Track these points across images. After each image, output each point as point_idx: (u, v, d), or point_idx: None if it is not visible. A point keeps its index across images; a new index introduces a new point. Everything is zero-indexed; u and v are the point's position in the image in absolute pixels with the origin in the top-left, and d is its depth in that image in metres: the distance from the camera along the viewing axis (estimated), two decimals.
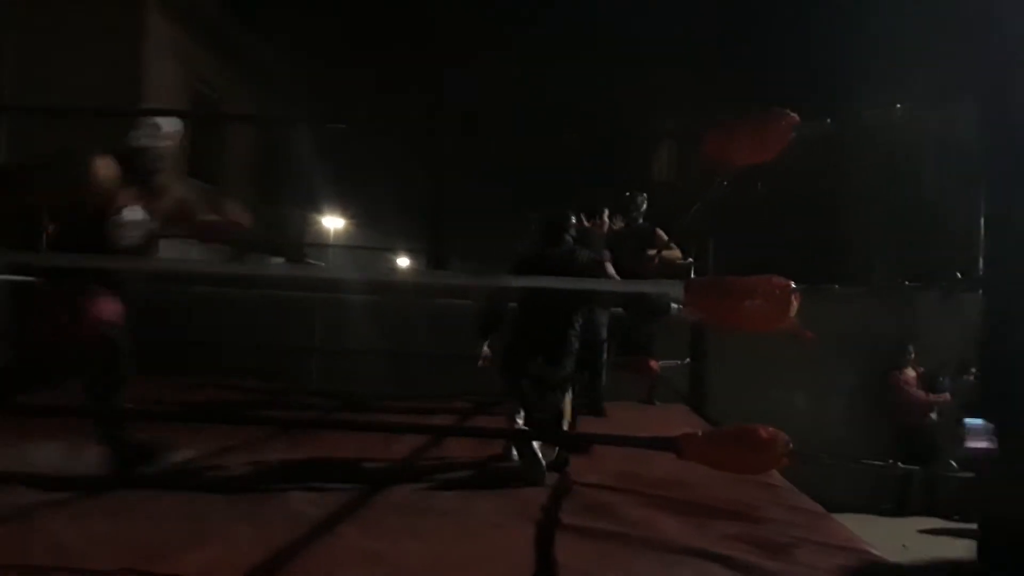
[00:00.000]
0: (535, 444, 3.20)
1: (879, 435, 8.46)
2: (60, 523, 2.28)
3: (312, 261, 14.23)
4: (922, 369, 8.90)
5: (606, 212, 5.67)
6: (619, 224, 5.84)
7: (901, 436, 8.80)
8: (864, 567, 2.21)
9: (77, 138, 3.30)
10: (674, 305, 4.78)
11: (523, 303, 3.63)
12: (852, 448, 7.69)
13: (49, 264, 2.91)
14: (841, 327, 7.07)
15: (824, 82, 11.49)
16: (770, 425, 2.13)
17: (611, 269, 4.41)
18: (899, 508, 8.66)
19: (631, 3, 15.39)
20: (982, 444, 1.62)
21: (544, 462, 3.17)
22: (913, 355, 9.00)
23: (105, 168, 2.79)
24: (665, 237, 5.64)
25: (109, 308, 2.89)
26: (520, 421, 3.42)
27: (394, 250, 17.67)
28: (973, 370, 7.43)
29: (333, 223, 19.48)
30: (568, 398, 3.56)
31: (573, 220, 3.90)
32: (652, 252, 5.64)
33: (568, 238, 3.76)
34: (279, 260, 13.47)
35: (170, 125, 3.11)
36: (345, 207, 18.92)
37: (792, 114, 2.33)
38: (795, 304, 2.14)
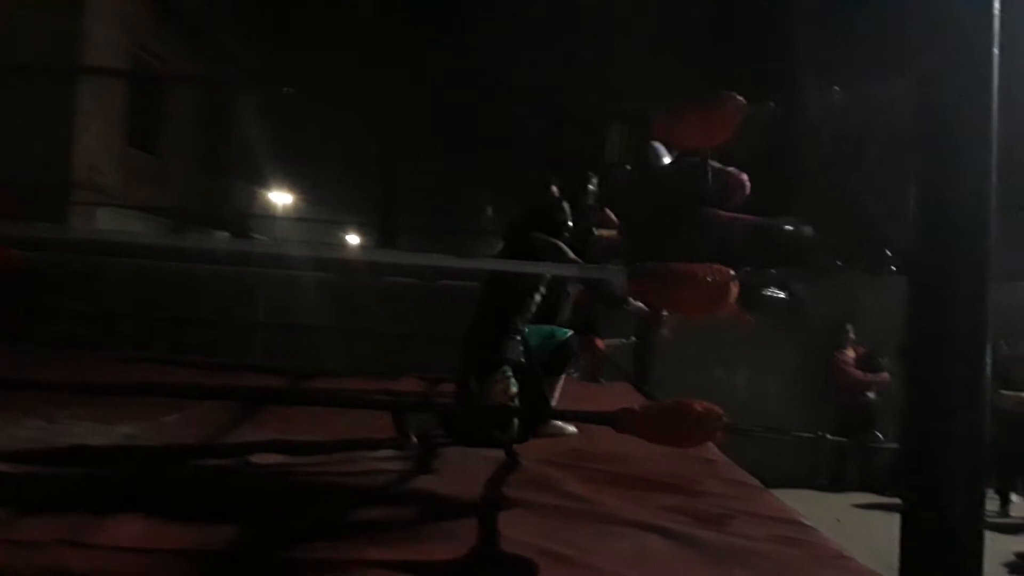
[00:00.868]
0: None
1: (822, 414, 8.73)
2: None
3: (257, 236, 13.99)
4: (863, 349, 9.19)
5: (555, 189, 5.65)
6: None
7: (839, 414, 9.10)
8: (795, 537, 2.28)
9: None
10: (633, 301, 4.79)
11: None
12: (794, 426, 7.91)
13: None
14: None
15: (775, 66, 11.69)
16: (711, 403, 2.19)
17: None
18: (835, 483, 8.98)
19: None
20: None
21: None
22: (852, 335, 9.28)
23: None
24: (615, 219, 5.65)
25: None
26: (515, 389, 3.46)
27: (343, 224, 17.47)
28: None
29: (281, 198, 19.16)
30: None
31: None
32: (601, 233, 5.65)
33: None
34: (223, 234, 13.22)
35: None
36: (293, 182, 18.62)
37: (740, 98, 2.37)
38: (734, 291, 2.19)
